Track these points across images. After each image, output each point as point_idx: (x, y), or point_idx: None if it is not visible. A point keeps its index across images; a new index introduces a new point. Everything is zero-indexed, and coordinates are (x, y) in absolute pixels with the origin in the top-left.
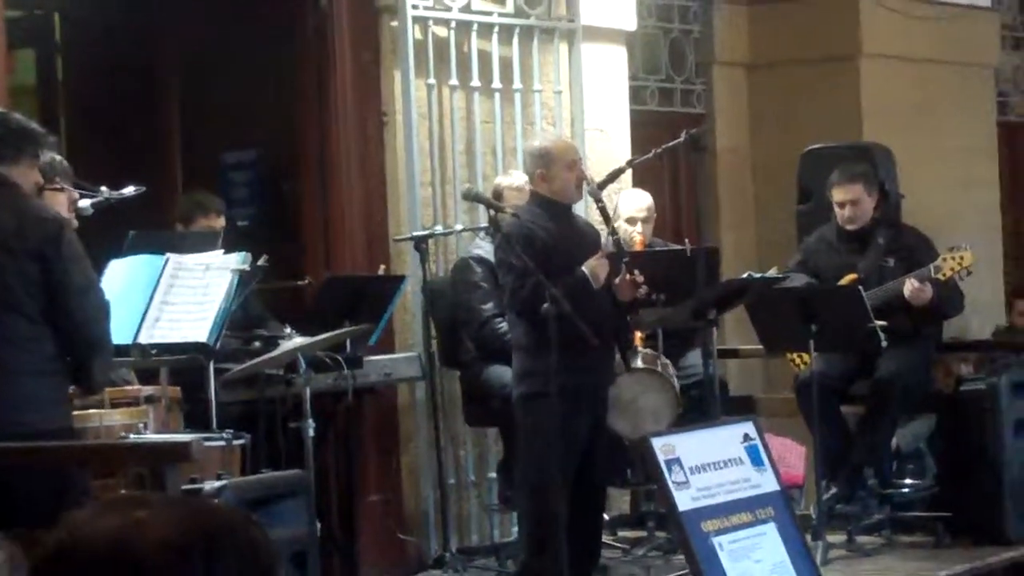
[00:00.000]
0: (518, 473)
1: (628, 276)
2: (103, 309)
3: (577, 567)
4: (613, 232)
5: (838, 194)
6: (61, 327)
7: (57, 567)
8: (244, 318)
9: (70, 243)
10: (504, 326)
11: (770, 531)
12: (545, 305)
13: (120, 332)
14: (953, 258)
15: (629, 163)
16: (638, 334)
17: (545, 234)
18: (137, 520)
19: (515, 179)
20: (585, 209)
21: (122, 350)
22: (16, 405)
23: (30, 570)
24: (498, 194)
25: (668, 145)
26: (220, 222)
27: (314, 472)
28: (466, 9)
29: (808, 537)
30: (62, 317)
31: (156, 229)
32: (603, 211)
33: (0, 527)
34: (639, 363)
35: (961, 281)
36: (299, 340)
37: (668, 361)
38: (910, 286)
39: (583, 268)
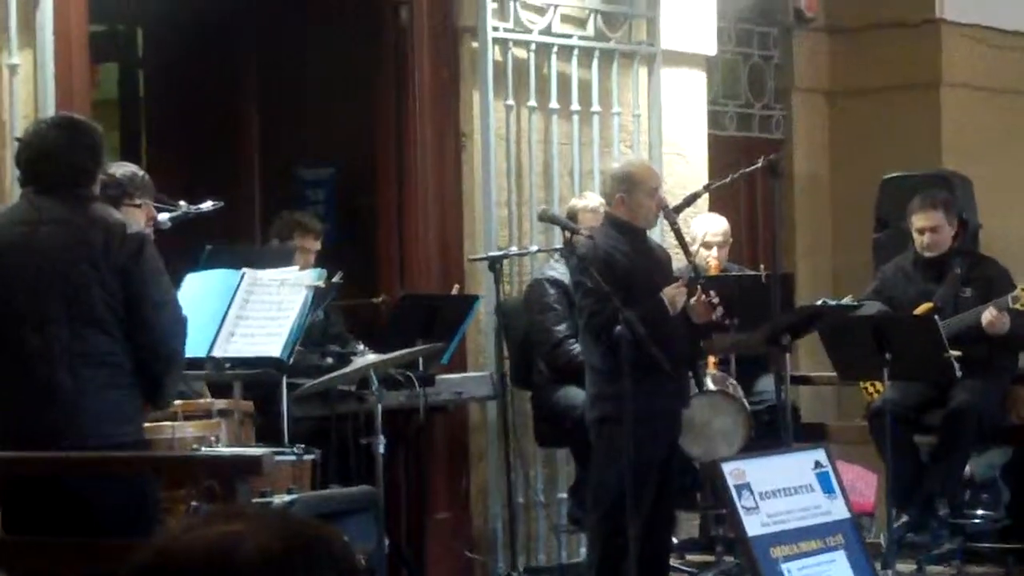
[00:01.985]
0: (590, 496)
1: (704, 297)
2: (180, 324)
3: None
4: (688, 255)
5: (918, 220)
6: (138, 341)
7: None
8: (322, 335)
9: (151, 258)
10: (577, 348)
11: (840, 559)
12: (618, 328)
13: (195, 345)
14: None
15: (706, 187)
16: (711, 358)
17: (623, 258)
18: (235, 531)
19: (590, 201)
20: (661, 233)
21: (196, 363)
22: (98, 419)
23: None
24: (573, 215)
25: (745, 170)
26: (316, 245)
27: (384, 489)
28: (546, 31)
29: (878, 566)
30: (140, 331)
31: (233, 244)
32: (678, 234)
33: (73, 535)
34: (710, 385)
35: None
36: (372, 357)
37: (736, 383)
38: (989, 315)
39: (661, 295)
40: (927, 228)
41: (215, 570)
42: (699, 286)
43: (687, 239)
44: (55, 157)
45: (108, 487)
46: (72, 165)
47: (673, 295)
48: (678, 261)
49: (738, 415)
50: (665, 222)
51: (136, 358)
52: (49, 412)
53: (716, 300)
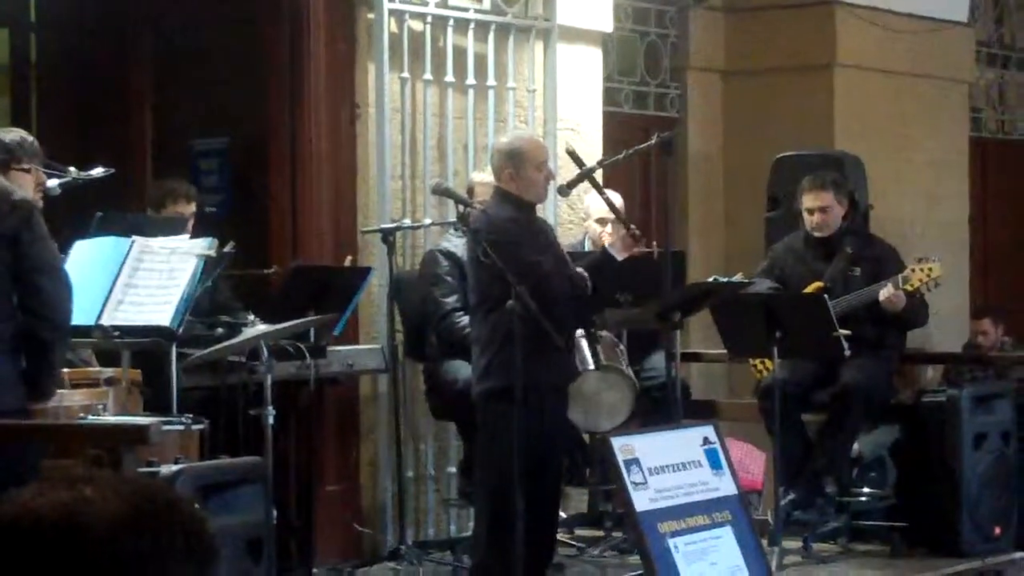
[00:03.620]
0: (478, 470)
1: (628, 232)
2: (69, 290)
3: (531, 565)
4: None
5: (808, 200)
6: (28, 308)
7: (4, 543)
8: (210, 304)
9: (39, 224)
10: (464, 320)
11: (726, 535)
12: (509, 302)
13: (83, 313)
14: (922, 269)
15: (599, 163)
16: (603, 333)
17: (515, 230)
18: (84, 496)
19: (488, 175)
20: (554, 209)
21: (84, 331)
22: None
23: None
24: (470, 190)
25: (638, 147)
26: (191, 209)
27: (273, 460)
28: (443, 4)
29: (764, 542)
30: (29, 298)
31: (123, 212)
32: (609, 202)
33: None
34: (603, 358)
35: (928, 292)
36: (262, 327)
37: (624, 349)
38: (887, 292)
39: (604, 244)
40: (816, 208)
41: (63, 534)
42: (622, 223)
43: (581, 215)
44: None
45: None
46: None
47: (616, 242)
48: (572, 237)
49: (627, 391)
50: (559, 199)
51: (25, 325)
52: None
53: (638, 233)
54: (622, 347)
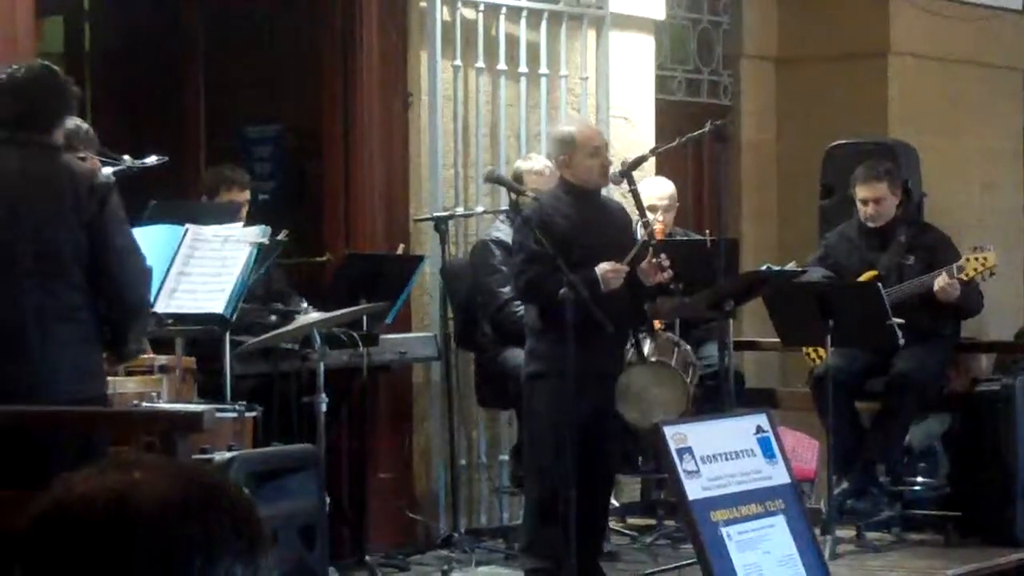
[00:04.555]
0: (525, 453)
1: (653, 260)
2: (145, 273)
3: (582, 553)
4: (644, 217)
5: (862, 191)
6: (103, 290)
7: (53, 525)
8: (265, 292)
9: (116, 207)
10: (521, 309)
11: (779, 523)
12: (563, 290)
13: None
14: (977, 258)
15: (652, 151)
16: (656, 323)
17: (564, 221)
18: (133, 480)
19: (535, 163)
20: (622, 195)
21: None
22: (63, 374)
23: (27, 528)
24: (518, 178)
25: (691, 135)
26: (244, 196)
27: (326, 447)
28: None
29: (817, 531)
30: (105, 280)
31: (177, 200)
32: (636, 196)
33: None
34: (653, 353)
35: (983, 282)
36: (315, 315)
37: (688, 347)
38: (941, 281)
39: (596, 270)
40: (870, 199)
41: (111, 518)
42: (650, 248)
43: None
44: (22, 94)
45: (62, 442)
46: (35, 105)
47: (607, 274)
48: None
49: (676, 387)
50: (613, 187)
51: (101, 308)
52: (15, 366)
53: (666, 263)
54: (686, 347)
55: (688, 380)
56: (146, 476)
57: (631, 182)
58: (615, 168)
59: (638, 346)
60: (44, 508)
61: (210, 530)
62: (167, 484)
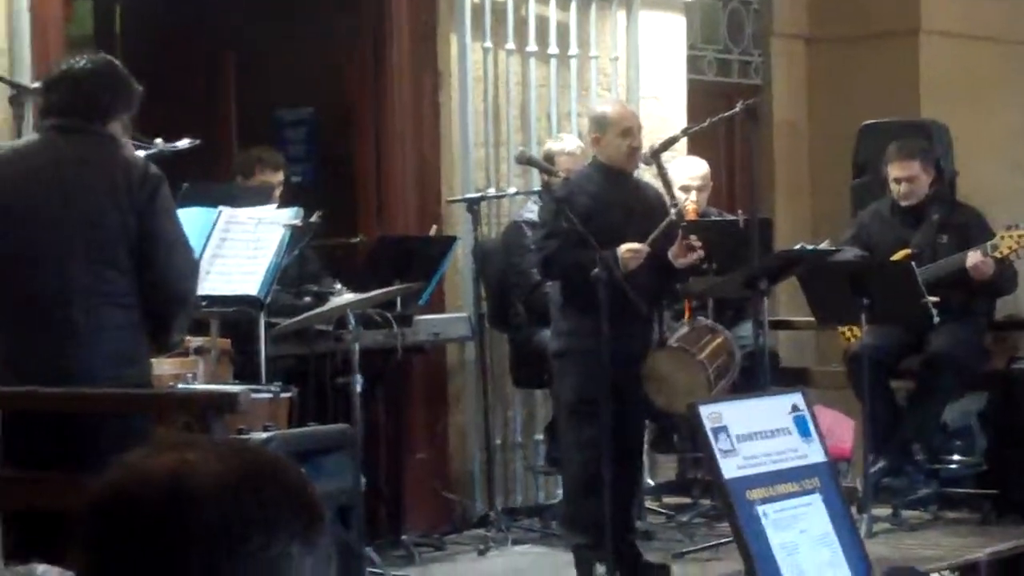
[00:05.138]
0: (558, 430)
1: (684, 241)
2: (191, 265)
3: (617, 531)
4: (673, 198)
5: (895, 170)
6: (148, 280)
7: (111, 506)
8: (300, 274)
9: (166, 197)
10: None
11: (815, 502)
12: (595, 270)
13: None
14: (1011, 236)
15: (684, 131)
16: (687, 303)
17: (588, 199)
18: (188, 460)
19: (566, 144)
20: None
21: None
22: (103, 360)
23: (84, 511)
24: (549, 158)
25: (723, 115)
26: (279, 177)
27: (362, 428)
28: None
29: (854, 510)
30: (150, 270)
31: (210, 182)
32: (664, 178)
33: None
34: (681, 339)
35: (1018, 259)
36: (349, 296)
37: (729, 334)
38: (974, 258)
39: (617, 250)
40: (903, 178)
41: (169, 498)
42: (681, 230)
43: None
44: (79, 84)
45: (103, 424)
46: (92, 95)
47: (627, 256)
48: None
49: (698, 375)
50: (645, 167)
51: (145, 297)
52: (63, 350)
53: (697, 244)
54: (727, 333)
55: (709, 372)
56: (202, 456)
57: (659, 164)
58: (645, 149)
59: (661, 329)
60: (102, 490)
61: (266, 509)
62: (223, 463)
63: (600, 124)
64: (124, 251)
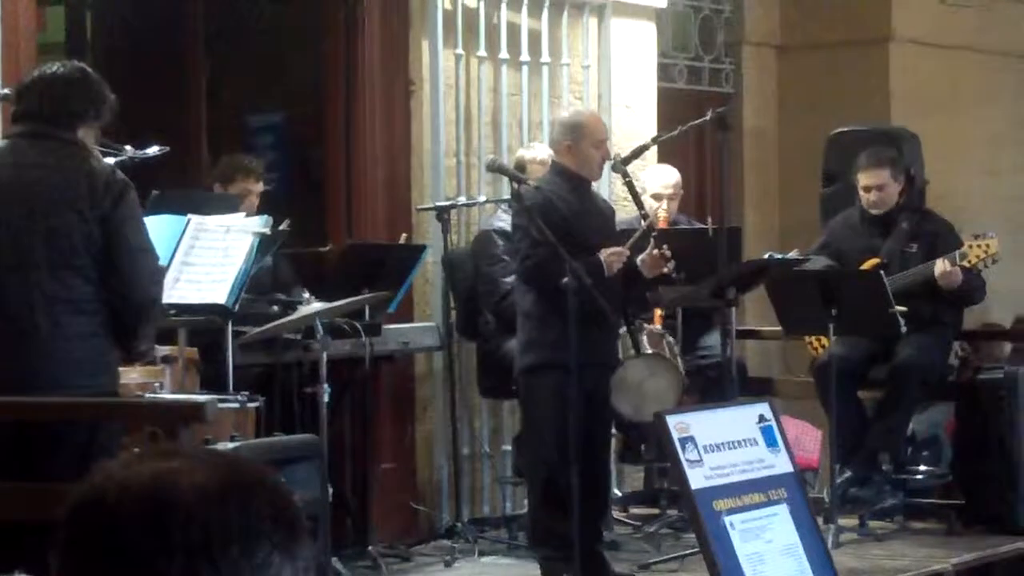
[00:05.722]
0: (525, 443)
1: (656, 251)
2: (157, 273)
3: (584, 542)
4: (641, 207)
5: (864, 178)
6: (112, 287)
7: (93, 514)
8: (272, 284)
9: (131, 204)
10: None
11: (782, 512)
12: (565, 279)
13: None
14: (979, 245)
15: (654, 140)
16: (657, 312)
17: (564, 206)
18: (171, 468)
19: (538, 152)
20: (609, 185)
21: None
22: (73, 367)
23: (64, 518)
24: (521, 167)
25: (693, 123)
26: (259, 188)
27: (328, 438)
28: None
29: (820, 520)
30: (114, 277)
31: (179, 190)
32: (631, 187)
33: (24, 480)
34: (646, 346)
35: (985, 268)
36: (317, 305)
37: (673, 340)
38: (942, 267)
39: (599, 255)
40: (873, 186)
41: (150, 506)
42: (652, 240)
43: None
44: (48, 90)
45: (68, 434)
46: (60, 101)
47: (611, 259)
48: (627, 213)
49: (672, 378)
50: (614, 175)
51: (110, 304)
52: (25, 357)
53: (668, 254)
54: (670, 339)
55: (682, 375)
56: (184, 464)
57: (625, 174)
58: (613, 157)
59: (634, 337)
60: (83, 496)
61: (248, 519)
62: (205, 473)
63: (575, 131)
64: (88, 258)
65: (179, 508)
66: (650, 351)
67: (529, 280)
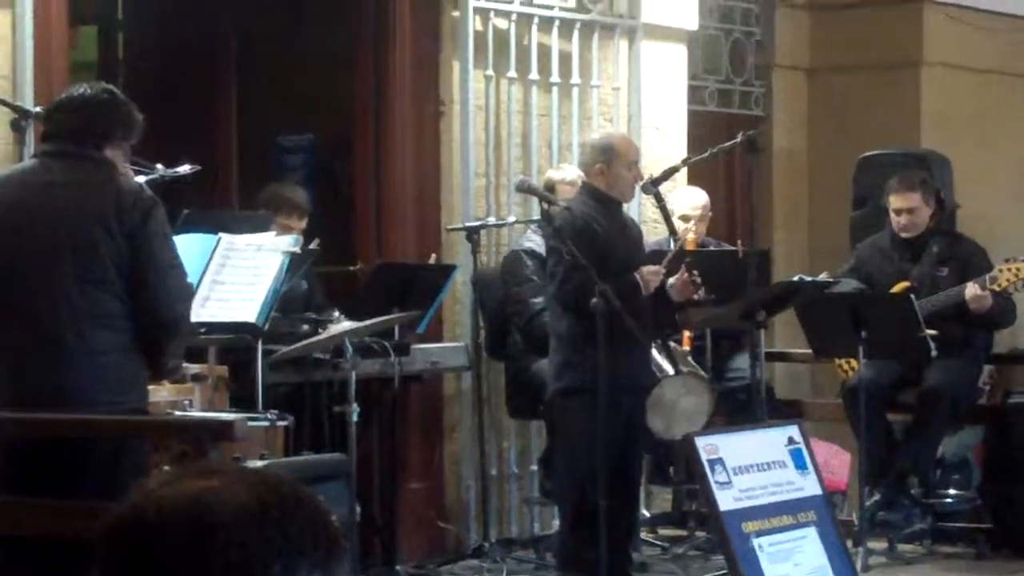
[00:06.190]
0: (559, 468)
1: (686, 275)
2: (185, 290)
3: (614, 568)
4: (673, 232)
5: (895, 201)
6: (140, 305)
7: (132, 534)
8: (305, 305)
9: (160, 222)
10: None
11: (811, 535)
12: (594, 300)
13: None
14: (1010, 269)
15: (684, 162)
16: (686, 333)
17: (600, 228)
18: (210, 487)
19: (567, 173)
20: (639, 207)
21: None
22: (96, 384)
23: (103, 536)
24: (550, 188)
25: (724, 146)
26: (301, 225)
27: (357, 457)
28: (527, 2)
29: (849, 543)
30: (142, 294)
31: (210, 209)
32: (663, 210)
33: (56, 497)
34: (683, 364)
35: (1016, 292)
36: (347, 324)
37: (693, 361)
38: (972, 291)
39: (636, 274)
40: (904, 209)
41: (189, 525)
42: (684, 264)
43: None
44: (76, 110)
45: (98, 451)
46: (87, 121)
47: (649, 277)
48: (655, 235)
49: (706, 397)
50: (644, 197)
51: (137, 321)
52: (55, 373)
53: (698, 279)
54: (691, 360)
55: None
56: (224, 483)
57: (658, 196)
58: (645, 179)
59: (670, 356)
60: (122, 515)
61: (288, 538)
62: (246, 492)
63: (607, 153)
64: (116, 275)
65: (219, 528)
66: (685, 370)
67: (567, 304)
